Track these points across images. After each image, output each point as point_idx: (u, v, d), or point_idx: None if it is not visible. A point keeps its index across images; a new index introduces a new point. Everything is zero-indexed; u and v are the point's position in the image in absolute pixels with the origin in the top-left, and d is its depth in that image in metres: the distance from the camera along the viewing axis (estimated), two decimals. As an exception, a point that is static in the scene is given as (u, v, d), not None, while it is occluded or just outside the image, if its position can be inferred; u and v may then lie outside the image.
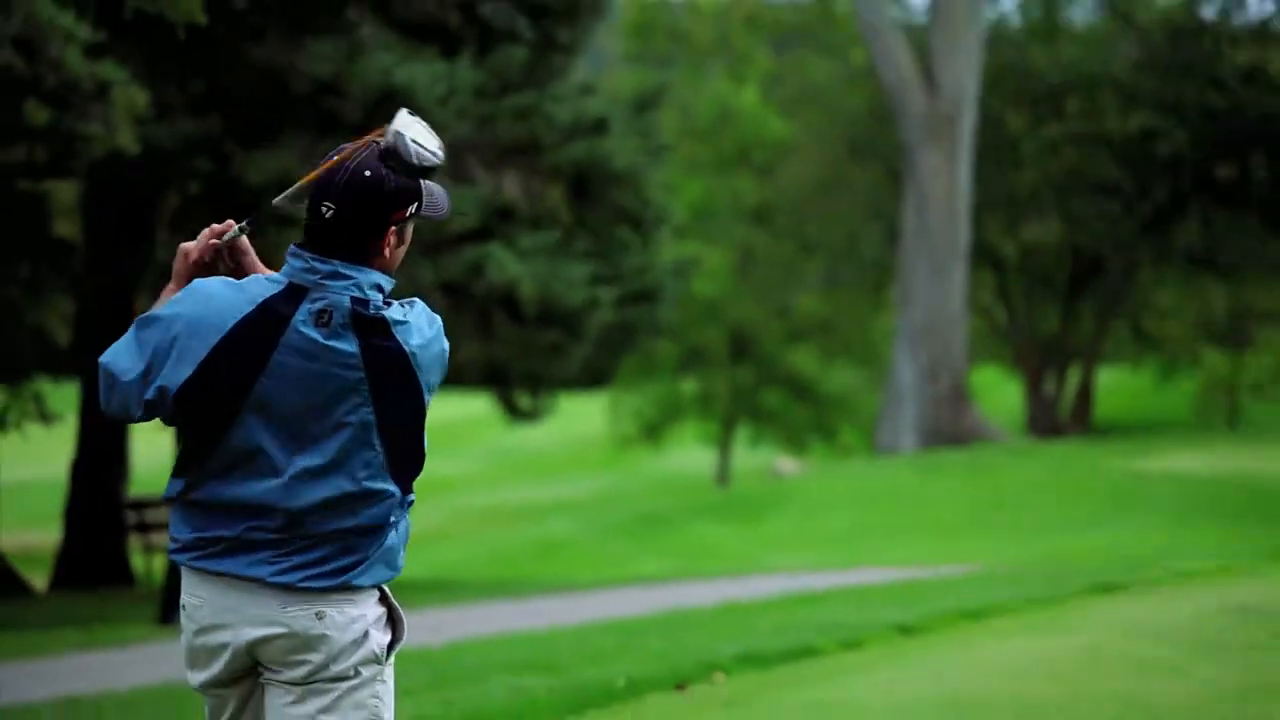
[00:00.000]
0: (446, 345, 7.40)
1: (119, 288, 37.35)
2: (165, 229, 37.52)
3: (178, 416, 7.26)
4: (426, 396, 7.30)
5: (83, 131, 26.38)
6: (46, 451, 48.56)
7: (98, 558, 38.60)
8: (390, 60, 33.53)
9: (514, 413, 43.61)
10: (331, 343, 7.10)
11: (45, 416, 37.96)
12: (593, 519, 56.04)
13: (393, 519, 7.38)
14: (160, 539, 36.99)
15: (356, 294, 7.15)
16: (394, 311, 7.23)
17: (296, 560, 7.18)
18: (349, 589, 7.27)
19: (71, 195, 37.97)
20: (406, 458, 7.33)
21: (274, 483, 7.16)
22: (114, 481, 38.84)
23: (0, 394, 37.95)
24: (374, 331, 7.14)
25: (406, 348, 7.18)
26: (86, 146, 27.13)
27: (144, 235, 37.54)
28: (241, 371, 7.08)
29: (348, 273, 7.15)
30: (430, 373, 7.30)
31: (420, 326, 7.30)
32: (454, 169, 35.33)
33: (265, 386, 7.11)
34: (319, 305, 7.11)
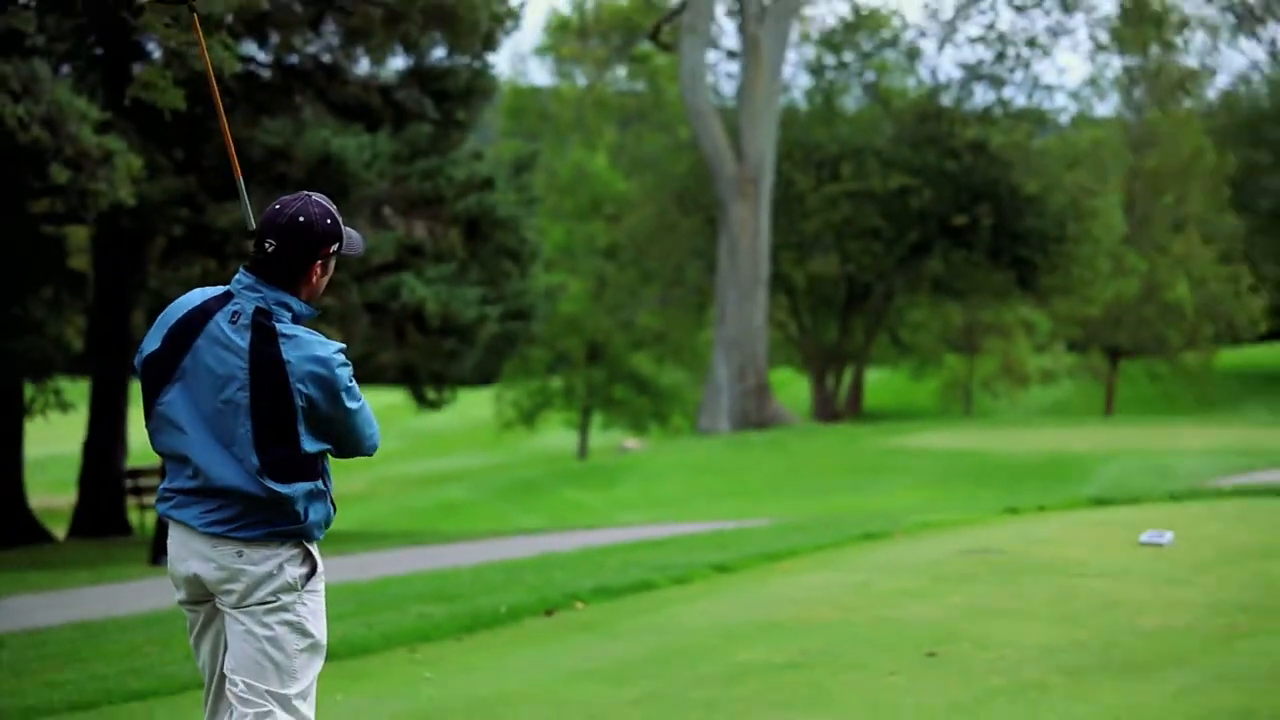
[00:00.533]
0: (326, 370, 7.61)
1: (120, 308, 38.00)
2: (155, 263, 38.36)
3: (141, 379, 7.74)
4: (296, 400, 7.57)
5: (93, 189, 27.02)
6: (64, 433, 48.44)
7: (103, 514, 39.13)
8: (327, 133, 33.93)
9: (422, 402, 44.03)
10: (234, 337, 7.53)
11: (64, 406, 41.01)
12: (482, 485, 55.91)
13: (286, 490, 7.62)
14: (150, 499, 37.18)
15: (262, 305, 7.54)
16: (286, 327, 7.58)
17: (216, 515, 7.62)
18: (259, 539, 7.64)
19: (84, 237, 38.69)
20: (271, 441, 7.56)
21: (184, 439, 7.62)
22: (116, 456, 39.25)
23: (29, 388, 40.22)
24: (264, 337, 7.52)
25: (283, 356, 7.49)
26: (95, 200, 27.84)
27: (139, 268, 38.12)
28: (178, 348, 7.57)
29: (260, 289, 7.57)
30: (301, 382, 7.56)
31: (303, 345, 7.60)
32: (375, 218, 35.74)
33: (189, 363, 7.58)
34: (234, 308, 7.57)
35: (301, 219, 7.63)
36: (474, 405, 76.57)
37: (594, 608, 16.49)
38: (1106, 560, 18.61)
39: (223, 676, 7.89)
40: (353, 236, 7.93)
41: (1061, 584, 17.08)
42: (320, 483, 7.75)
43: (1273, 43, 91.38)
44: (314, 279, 7.75)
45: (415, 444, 78.54)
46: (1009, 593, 16.62)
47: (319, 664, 7.89)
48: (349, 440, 7.83)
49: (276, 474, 7.57)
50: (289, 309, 7.64)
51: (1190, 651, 13.92)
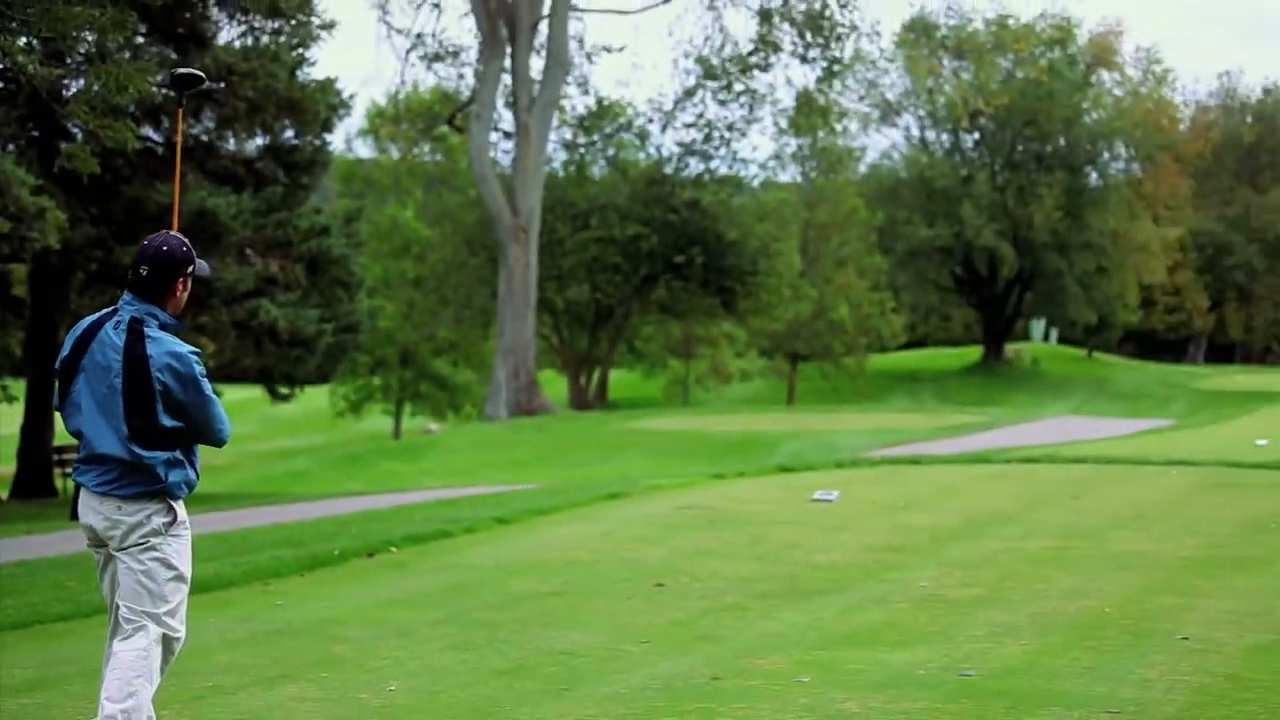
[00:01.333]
0: (180, 363, 7.80)
1: (50, 326, 37.79)
2: (75, 292, 38.26)
3: (58, 378, 8.02)
4: (155, 384, 7.76)
5: (29, 236, 27.05)
6: (7, 419, 47.64)
7: (36, 481, 38.77)
8: (204, 194, 33.95)
9: (276, 396, 44.32)
10: (115, 338, 7.79)
11: (9, 399, 42.13)
12: (321, 458, 55.53)
13: (148, 455, 7.78)
14: (70, 469, 37.04)
15: (136, 315, 7.82)
16: (152, 331, 7.82)
17: (103, 478, 7.84)
18: (132, 496, 7.82)
19: (24, 272, 38.45)
20: (136, 415, 7.76)
21: (82, 418, 7.87)
22: (46, 436, 39.07)
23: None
24: (135, 337, 7.77)
25: (147, 351, 7.74)
26: (31, 245, 27.97)
27: (64, 296, 37.92)
28: (79, 352, 7.88)
29: (137, 304, 7.88)
30: (159, 371, 7.76)
31: (163, 343, 7.81)
32: (240, 257, 35.76)
33: (87, 361, 7.84)
34: (117, 318, 7.86)
35: (165, 248, 7.91)
36: (315, 398, 76.12)
37: (404, 551, 16.42)
38: (788, 513, 18.76)
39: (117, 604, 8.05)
40: (201, 263, 8.13)
41: (755, 531, 17.18)
42: (178, 453, 7.89)
43: (906, 129, 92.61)
44: (177, 294, 7.97)
45: (270, 428, 77.86)
46: (716, 538, 16.69)
47: (184, 591, 8.05)
48: (202, 425, 7.96)
49: (140, 441, 7.75)
50: (156, 318, 7.87)
51: (850, 580, 14.06)
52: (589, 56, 69.56)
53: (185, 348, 7.91)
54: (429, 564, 15.56)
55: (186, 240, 8.13)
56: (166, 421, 7.81)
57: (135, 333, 7.80)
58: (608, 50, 69.33)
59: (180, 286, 8.00)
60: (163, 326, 7.92)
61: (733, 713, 9.25)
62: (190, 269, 8.03)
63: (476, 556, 15.95)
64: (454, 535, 17.54)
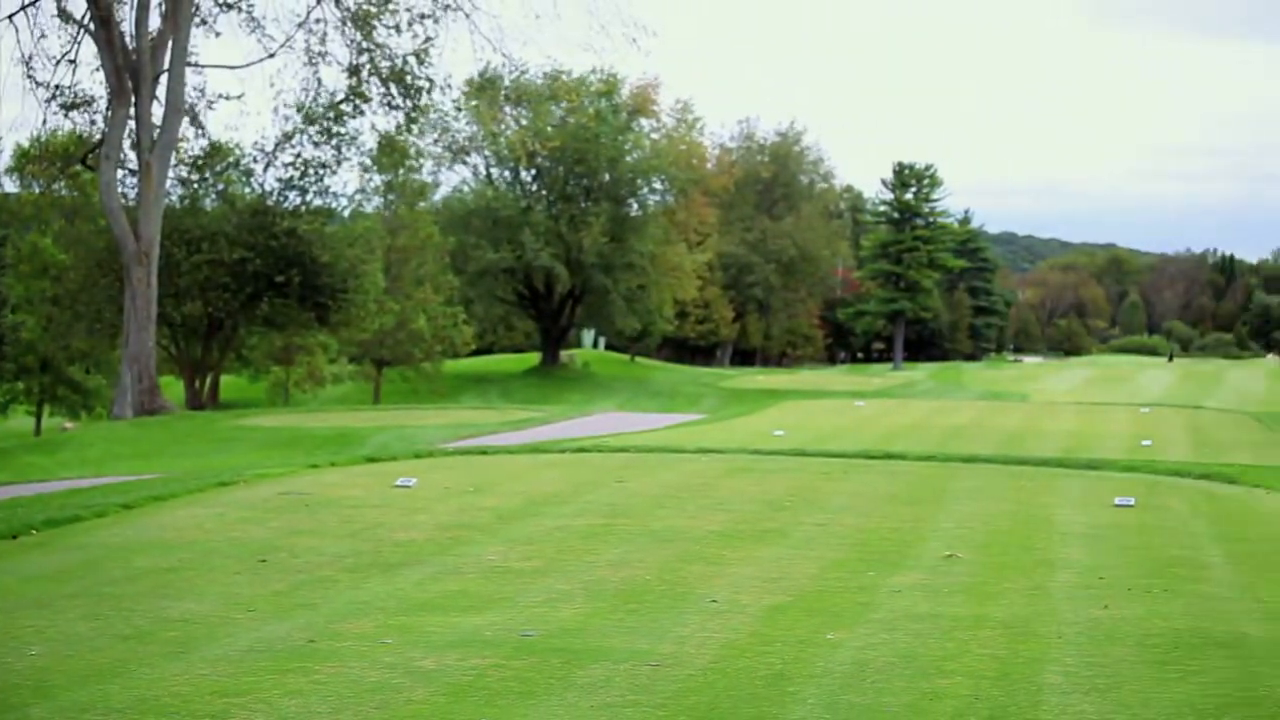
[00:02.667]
0: None
1: None
2: None
3: None
4: None
5: None
6: None
7: None
8: None
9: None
10: None
11: None
12: None
13: None
14: None
15: None
16: None
17: None
18: None
19: None
20: None
21: None
22: None
23: None
24: None
25: None
26: None
27: None
28: None
29: None
30: None
31: None
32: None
33: None
34: None
35: None
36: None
37: (43, 533, 15.79)
38: (374, 497, 18.59)
39: None
40: None
41: (345, 513, 16.98)
42: None
43: (475, 167, 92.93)
44: None
45: None
46: (312, 519, 16.45)
47: None
48: None
49: None
50: None
51: (427, 555, 13.98)
52: (209, 104, 68.34)
53: None
54: (65, 544, 15.01)
55: None
56: None
57: None
58: (224, 98, 68.34)
59: None
60: None
61: (327, 671, 9.17)
62: None
63: (106, 537, 15.44)
64: (86, 519, 16.96)
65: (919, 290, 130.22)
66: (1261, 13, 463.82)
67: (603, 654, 9.64)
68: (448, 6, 43.60)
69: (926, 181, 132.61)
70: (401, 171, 77.79)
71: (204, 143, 70.65)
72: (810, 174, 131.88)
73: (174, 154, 63.84)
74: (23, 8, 59.14)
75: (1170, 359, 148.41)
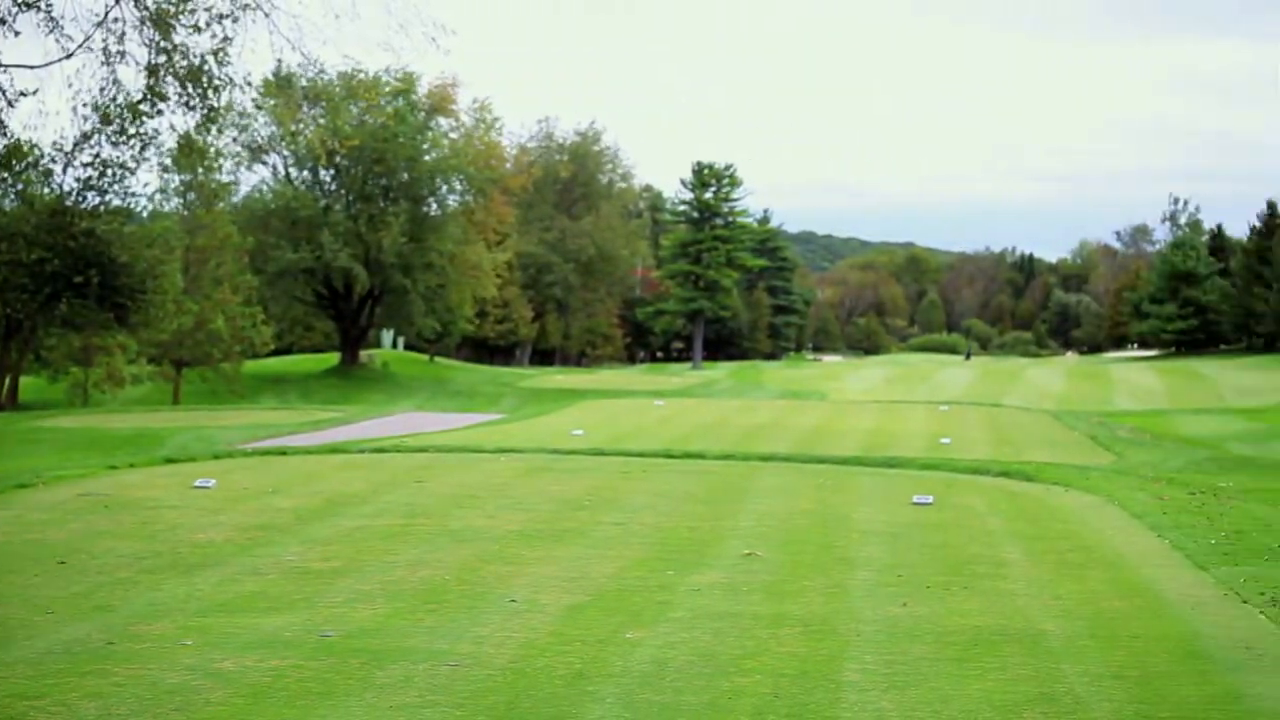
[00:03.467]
0: None
1: None
2: None
3: None
4: None
5: None
6: None
7: None
8: None
9: None
10: None
11: None
12: None
13: None
14: None
15: None
16: None
17: None
18: None
19: None
20: None
21: None
22: None
23: None
24: None
25: None
26: None
27: None
28: None
29: None
30: None
31: None
32: None
33: None
34: None
35: None
36: None
37: None
38: (173, 498, 18.38)
39: None
40: None
41: (144, 514, 16.78)
42: None
43: (274, 167, 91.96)
44: None
45: None
46: (111, 521, 16.23)
47: None
48: None
49: None
50: None
51: (226, 556, 13.88)
52: (10, 103, 66.78)
53: None
54: None
55: None
56: None
57: None
58: (24, 95, 66.82)
59: None
60: None
61: (126, 673, 9.09)
62: None
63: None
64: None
65: (718, 289, 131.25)
66: (1064, 13, 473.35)
67: (402, 654, 9.66)
68: (246, 6, 43.03)
69: (726, 181, 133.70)
70: (200, 171, 76.80)
71: (3, 143, 69.25)
72: (609, 174, 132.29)
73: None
74: None
75: (968, 357, 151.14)
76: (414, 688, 8.83)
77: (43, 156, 70.12)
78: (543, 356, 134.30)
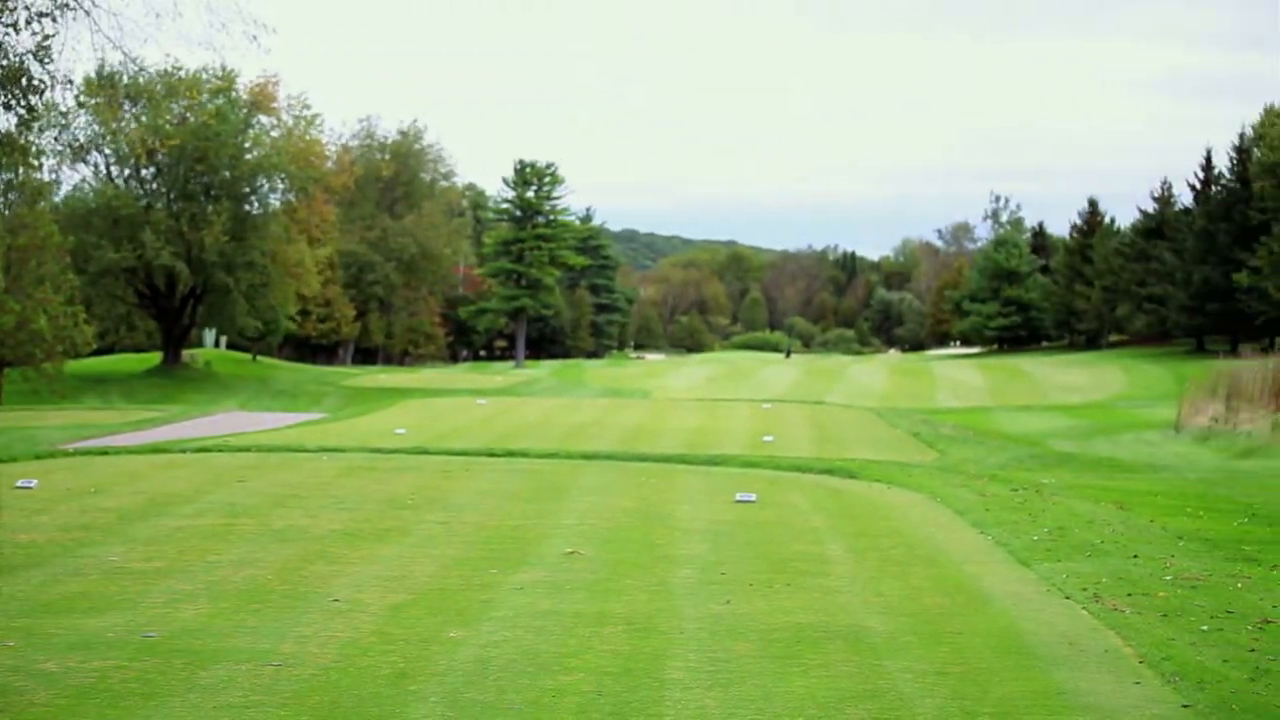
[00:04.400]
0: None
1: None
2: None
3: None
4: None
5: None
6: None
7: None
8: None
9: None
10: None
11: None
12: None
13: None
14: None
15: None
16: None
17: None
18: None
19: None
20: None
21: None
22: None
23: None
24: None
25: None
26: None
27: None
28: None
29: None
30: None
31: None
32: None
33: None
34: None
35: None
36: None
37: None
38: (-6, 500, 18.08)
39: None
40: None
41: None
42: None
43: (96, 166, 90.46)
44: None
45: None
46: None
47: None
48: None
49: None
50: None
51: (48, 556, 13.67)
52: None
53: None
54: None
55: None
56: None
57: None
58: None
59: None
60: None
61: (-55, 678, 8.96)
62: None
63: None
64: None
65: (540, 288, 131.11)
66: (889, 13, 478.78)
67: (225, 654, 9.64)
68: (66, 5, 42.38)
69: (547, 179, 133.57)
70: (21, 171, 75.34)
71: None
72: (432, 172, 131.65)
73: None
74: None
75: (788, 354, 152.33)
76: (237, 688, 8.82)
77: None
78: (365, 355, 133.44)
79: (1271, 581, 13.15)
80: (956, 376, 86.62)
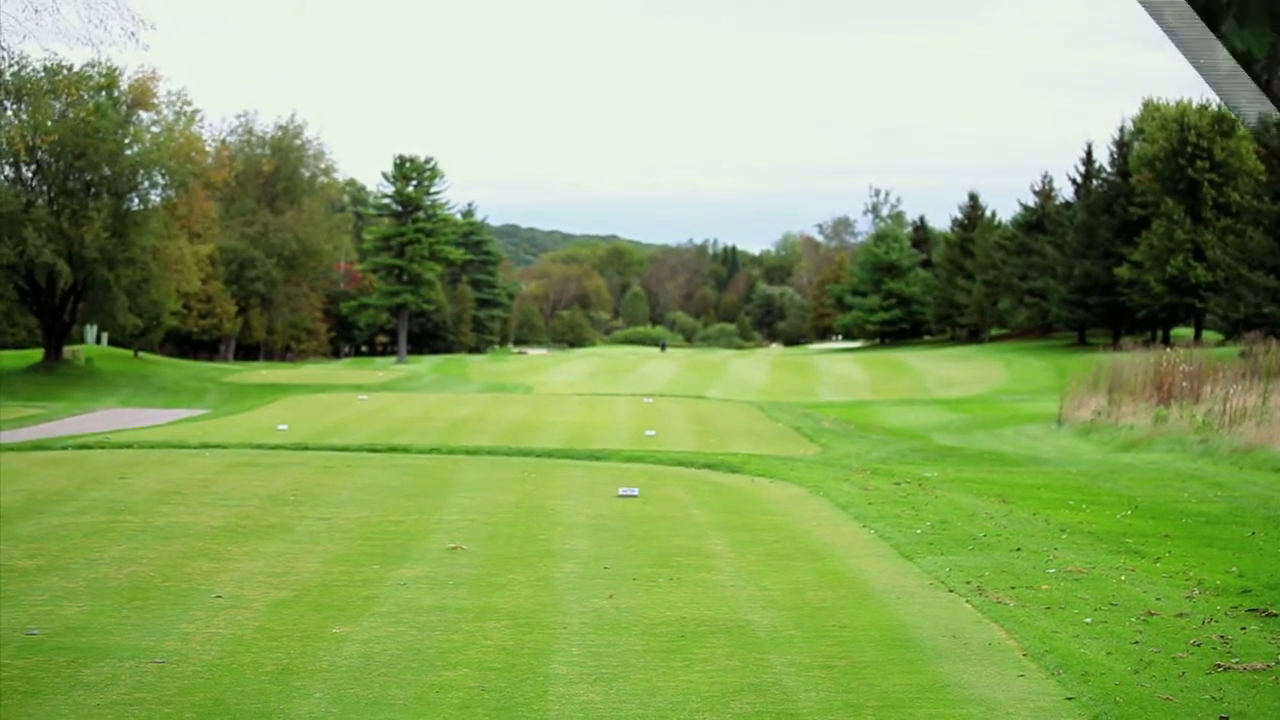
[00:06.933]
0: None
1: None
2: None
3: None
4: None
5: None
6: None
7: None
8: None
9: None
10: None
11: None
12: None
13: None
14: None
15: None
16: None
17: None
18: None
19: None
20: None
21: None
22: None
23: None
24: None
25: None
26: None
27: None
28: None
29: None
30: None
31: None
32: None
33: None
34: None
35: None
36: None
37: None
38: None
39: None
40: None
41: None
42: None
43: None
44: None
45: None
46: None
47: None
48: None
49: None
50: None
51: (-72, 557, 13.49)
52: None
53: None
54: None
55: None
56: None
57: None
58: None
59: None
60: None
61: None
62: None
63: None
64: None
65: (421, 283, 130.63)
66: (767, 8, 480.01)
67: (108, 652, 9.56)
68: (-58, -1, 41.78)
69: (427, 174, 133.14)
70: None
71: None
72: (312, 168, 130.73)
73: None
74: None
75: (663, 348, 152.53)
76: (121, 685, 8.75)
77: None
78: (247, 351, 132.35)
79: (1154, 574, 13.30)
80: (838, 370, 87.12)
